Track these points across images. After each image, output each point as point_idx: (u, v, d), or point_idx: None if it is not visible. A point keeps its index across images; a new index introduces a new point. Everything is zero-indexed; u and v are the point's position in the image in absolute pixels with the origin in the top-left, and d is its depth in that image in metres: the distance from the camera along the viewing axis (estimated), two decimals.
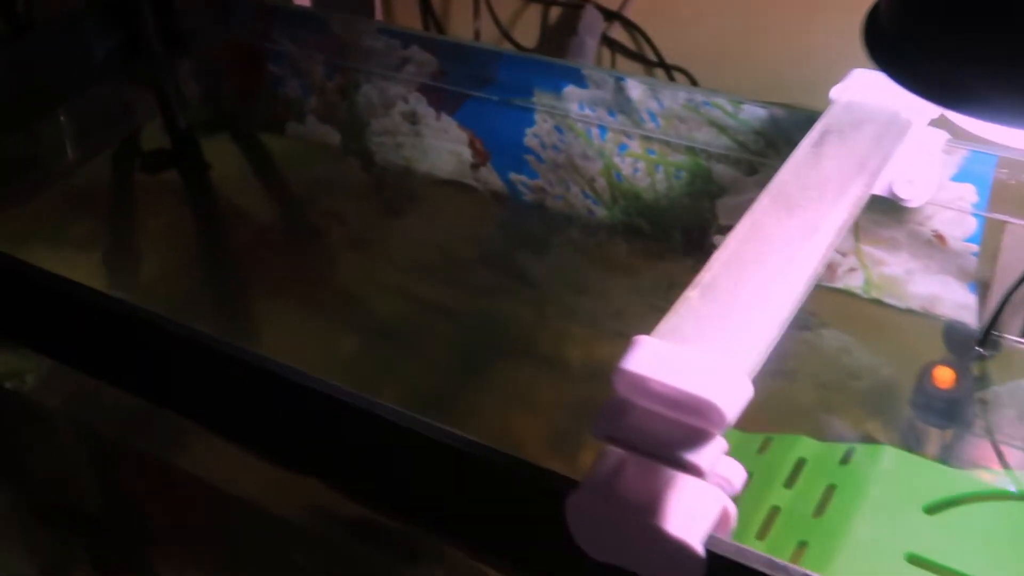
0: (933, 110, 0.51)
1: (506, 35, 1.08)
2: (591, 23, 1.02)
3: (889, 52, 0.40)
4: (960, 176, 0.58)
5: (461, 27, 1.12)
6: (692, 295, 0.42)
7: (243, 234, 0.83)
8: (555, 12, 1.08)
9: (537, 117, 0.70)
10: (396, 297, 0.75)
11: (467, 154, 0.75)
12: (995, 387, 0.61)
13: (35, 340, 0.56)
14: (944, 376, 0.60)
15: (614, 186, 0.70)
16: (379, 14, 1.07)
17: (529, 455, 0.66)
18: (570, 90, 0.68)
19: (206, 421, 0.51)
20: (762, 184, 0.65)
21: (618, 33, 1.07)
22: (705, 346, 0.39)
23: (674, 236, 0.70)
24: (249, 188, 0.85)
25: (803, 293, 0.42)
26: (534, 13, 1.10)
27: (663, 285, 0.71)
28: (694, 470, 0.36)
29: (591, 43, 1.00)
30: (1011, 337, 0.61)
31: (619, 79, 0.65)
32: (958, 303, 0.63)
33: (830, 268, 0.65)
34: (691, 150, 0.66)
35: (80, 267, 0.80)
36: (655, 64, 1.06)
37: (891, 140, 0.50)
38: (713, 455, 0.36)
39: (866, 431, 0.62)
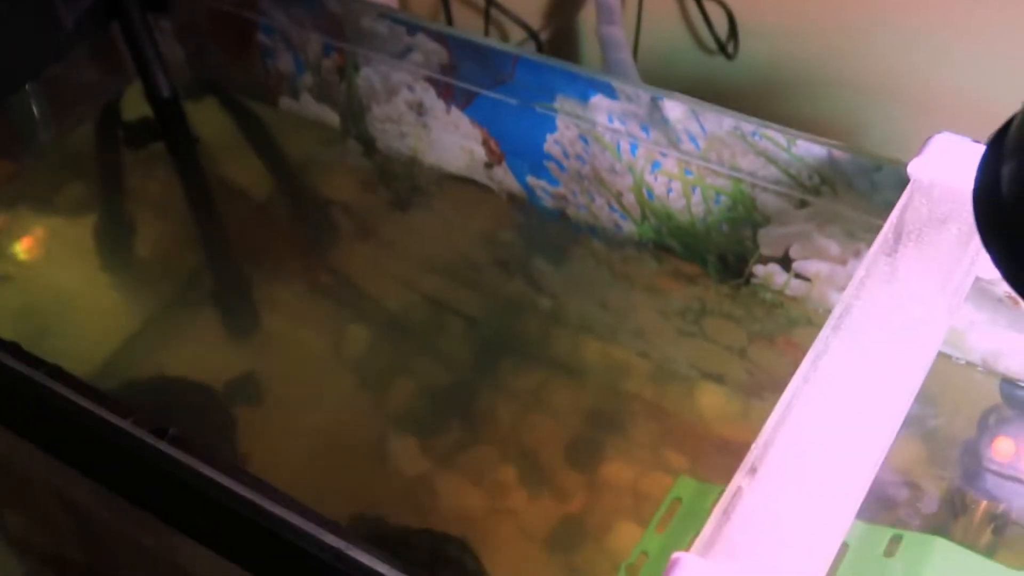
0: None
1: None
2: None
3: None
4: None
5: None
6: (743, 485, 0.36)
7: (240, 210, 0.76)
8: None
9: (559, 123, 0.62)
10: (406, 291, 0.69)
11: (480, 152, 0.67)
12: None
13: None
14: (1004, 448, 0.55)
15: (644, 204, 0.63)
16: None
17: (544, 462, 0.62)
18: (598, 100, 0.59)
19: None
20: (813, 218, 0.58)
21: None
22: (763, 565, 0.33)
23: (709, 261, 0.63)
24: (242, 161, 0.77)
25: (876, 467, 0.36)
26: None
27: (693, 310, 0.64)
28: None
29: None
30: None
31: (655, 98, 0.57)
32: None
33: None
34: (734, 177, 0.58)
35: (71, 236, 0.74)
36: None
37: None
38: None
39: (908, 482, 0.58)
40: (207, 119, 0.78)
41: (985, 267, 0.43)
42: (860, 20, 0.89)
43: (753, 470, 0.36)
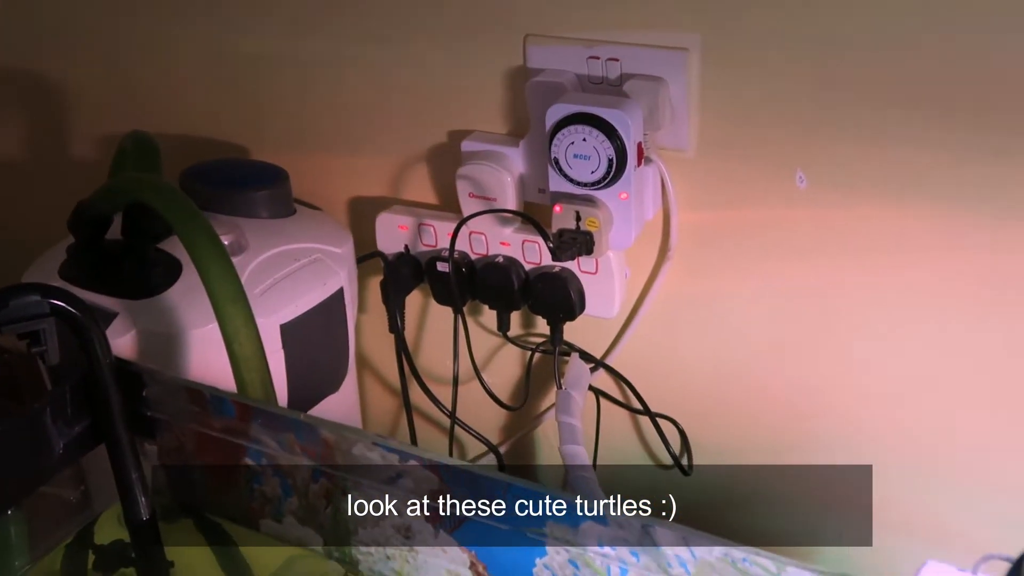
0: None
1: (489, 393, 1.03)
2: (578, 377, 0.99)
3: None
4: None
5: (438, 366, 1.08)
6: None
7: None
8: (537, 357, 1.04)
9: (549, 548, 0.64)
10: None
11: (467, 575, 0.68)
12: None
13: None
14: None
15: None
16: (352, 359, 1.02)
17: None
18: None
19: None
20: None
21: (602, 381, 1.03)
22: None
23: None
24: None
25: None
26: (512, 356, 1.06)
27: None
28: None
29: (578, 398, 0.96)
30: None
31: (646, 526, 0.59)
32: None
33: None
34: None
35: None
36: (641, 412, 1.02)
37: None
38: None
39: None
40: (182, 542, 0.78)
41: None
42: (795, 440, 0.96)
43: None
